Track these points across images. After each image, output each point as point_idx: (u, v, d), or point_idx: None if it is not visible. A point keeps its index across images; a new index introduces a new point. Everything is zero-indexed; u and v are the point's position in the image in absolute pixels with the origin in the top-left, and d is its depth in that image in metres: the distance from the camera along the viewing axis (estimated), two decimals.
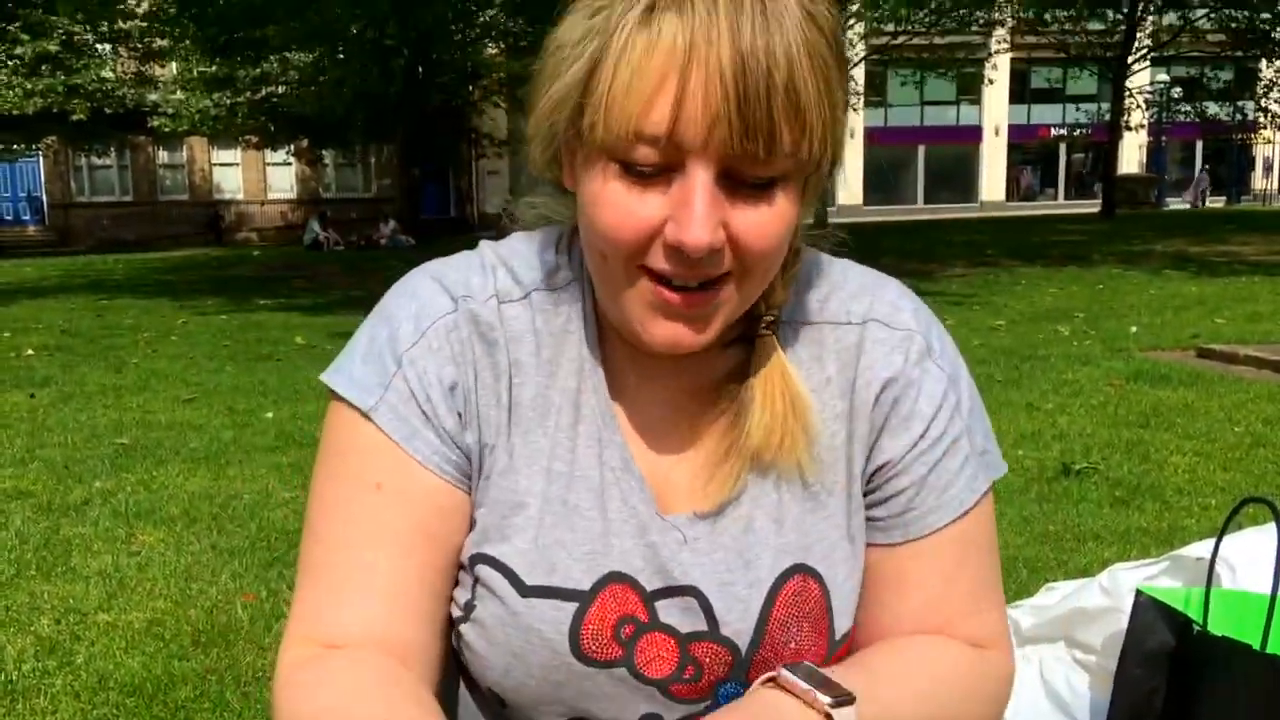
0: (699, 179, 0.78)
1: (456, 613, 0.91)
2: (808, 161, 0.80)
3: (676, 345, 0.85)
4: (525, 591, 0.88)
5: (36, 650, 3.00)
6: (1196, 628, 1.43)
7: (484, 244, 0.97)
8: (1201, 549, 1.55)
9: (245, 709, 2.61)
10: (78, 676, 2.82)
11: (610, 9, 0.79)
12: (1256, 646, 1.34)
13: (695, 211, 0.78)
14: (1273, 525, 1.43)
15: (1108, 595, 1.66)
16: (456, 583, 0.93)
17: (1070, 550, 3.64)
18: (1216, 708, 1.37)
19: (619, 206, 0.80)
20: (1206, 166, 43.38)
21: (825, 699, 0.79)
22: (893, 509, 0.93)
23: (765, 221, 0.81)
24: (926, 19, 27.44)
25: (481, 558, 0.90)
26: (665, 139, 0.77)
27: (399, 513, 0.88)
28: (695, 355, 0.90)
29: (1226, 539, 1.52)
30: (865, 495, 0.94)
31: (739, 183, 0.80)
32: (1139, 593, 1.51)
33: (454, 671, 0.96)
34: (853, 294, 0.95)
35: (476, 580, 0.90)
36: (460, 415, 0.90)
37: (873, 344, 0.93)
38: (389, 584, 0.87)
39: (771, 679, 0.83)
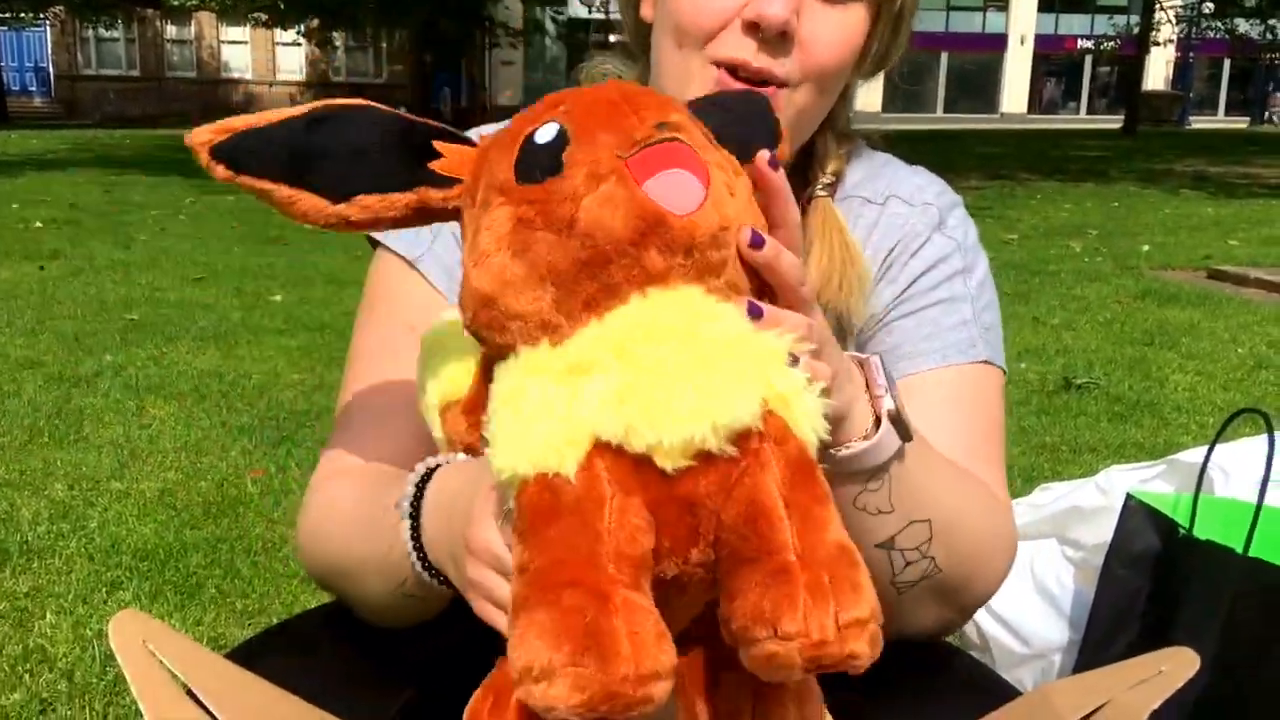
0: None
1: None
2: None
3: None
4: None
5: (50, 514, 3.07)
6: (1182, 531, 1.47)
7: None
8: (1199, 455, 1.58)
9: (255, 576, 2.68)
10: (91, 540, 2.89)
11: None
12: (1240, 551, 1.38)
13: None
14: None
15: (1103, 495, 1.70)
16: None
17: (1066, 461, 3.69)
18: (1197, 609, 1.41)
19: None
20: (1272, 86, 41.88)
21: (888, 400, 0.77)
22: (877, 349, 0.95)
23: (837, 28, 0.86)
24: None
25: None
26: None
27: None
28: None
29: (1227, 447, 1.55)
30: (863, 349, 0.97)
31: None
32: (1129, 496, 1.55)
33: None
34: (887, 178, 1.01)
35: None
36: None
37: (889, 217, 0.99)
38: (408, 422, 0.83)
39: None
